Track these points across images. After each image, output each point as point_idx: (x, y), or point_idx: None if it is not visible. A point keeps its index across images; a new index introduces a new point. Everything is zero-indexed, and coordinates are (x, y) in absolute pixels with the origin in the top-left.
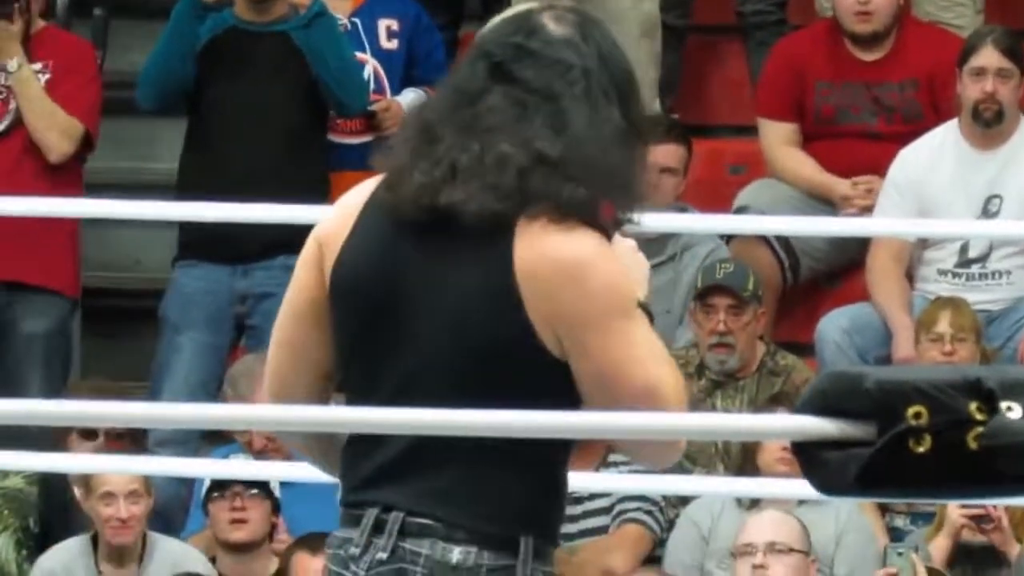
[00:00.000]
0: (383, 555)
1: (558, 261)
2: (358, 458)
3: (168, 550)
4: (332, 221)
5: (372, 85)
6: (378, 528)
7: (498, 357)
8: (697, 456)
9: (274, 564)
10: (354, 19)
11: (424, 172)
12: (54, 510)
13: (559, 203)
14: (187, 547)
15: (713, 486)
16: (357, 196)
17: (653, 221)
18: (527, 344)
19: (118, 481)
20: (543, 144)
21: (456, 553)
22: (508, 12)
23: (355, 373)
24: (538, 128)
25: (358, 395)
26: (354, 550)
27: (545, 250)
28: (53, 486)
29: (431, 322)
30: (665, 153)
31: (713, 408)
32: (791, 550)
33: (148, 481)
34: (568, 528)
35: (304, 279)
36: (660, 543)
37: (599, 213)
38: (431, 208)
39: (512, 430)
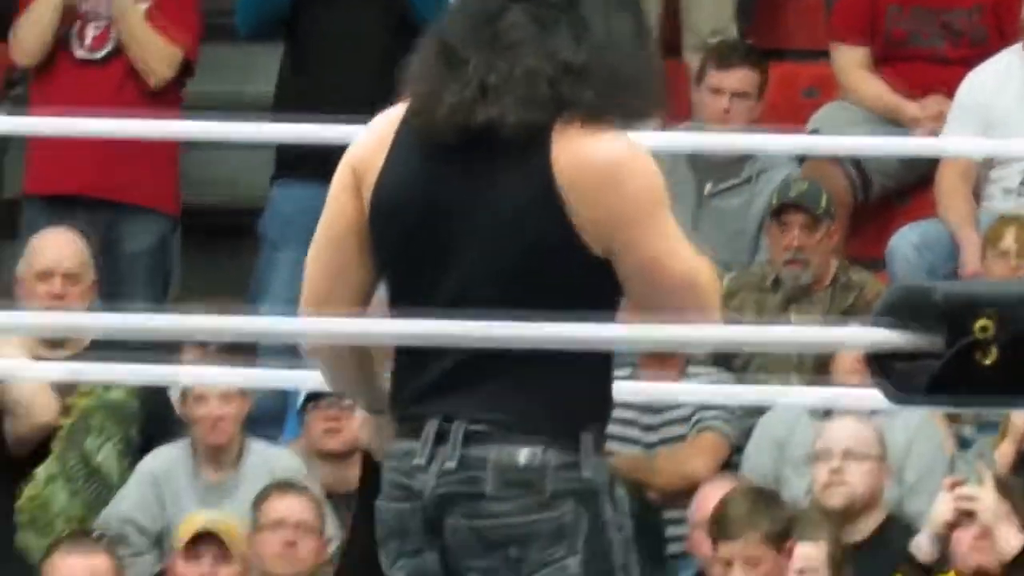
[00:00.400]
0: (451, 464)
1: (597, 164)
2: (411, 372)
3: (265, 455)
4: (365, 147)
5: None
6: (441, 438)
7: (544, 261)
8: (773, 367)
9: None
10: None
11: (455, 93)
12: (155, 421)
13: (589, 109)
14: (284, 452)
15: (788, 396)
16: (386, 122)
17: (729, 142)
18: (572, 246)
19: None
20: (567, 54)
21: (522, 455)
22: None
23: (403, 292)
24: (560, 40)
25: (408, 311)
26: (419, 460)
27: (583, 155)
28: (154, 397)
29: (478, 236)
30: (739, 78)
31: (788, 320)
32: (867, 456)
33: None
34: (648, 437)
35: (342, 205)
36: (737, 450)
37: (624, 115)
38: (465, 127)
39: (578, 342)
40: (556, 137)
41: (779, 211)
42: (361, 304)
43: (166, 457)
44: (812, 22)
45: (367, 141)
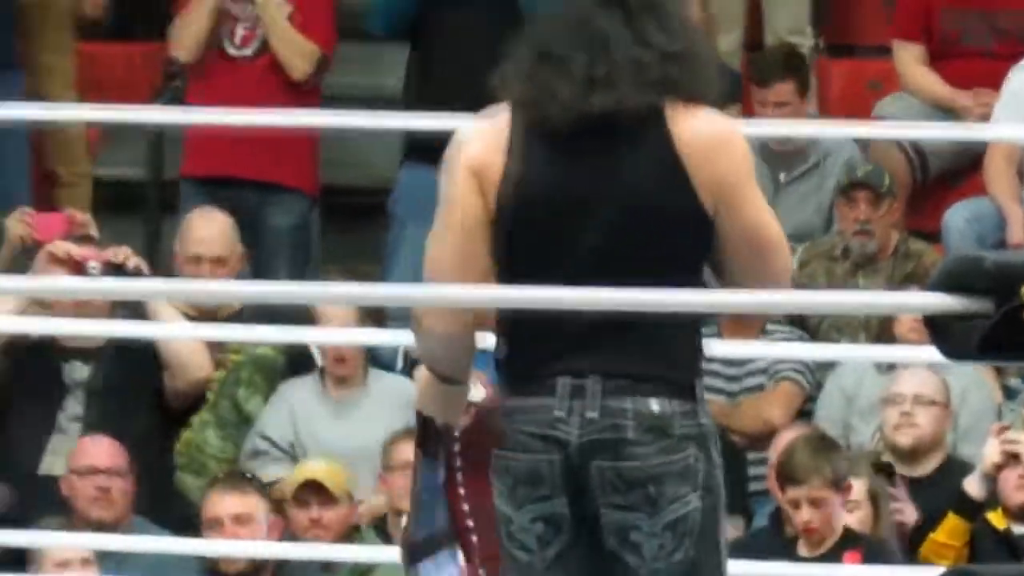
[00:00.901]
0: (593, 414)
1: (712, 134)
2: (532, 339)
3: (387, 381)
4: (479, 149)
5: None
6: (576, 392)
7: (671, 224)
8: (843, 327)
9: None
10: None
11: (566, 88)
12: (298, 374)
13: (691, 90)
14: (405, 380)
15: (856, 352)
16: (493, 124)
17: (806, 129)
18: (693, 208)
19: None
20: (662, 43)
21: (654, 403)
22: None
23: (533, 269)
24: (651, 32)
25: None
26: (558, 413)
27: (697, 128)
28: (298, 353)
29: (609, 210)
30: (777, 92)
31: (856, 286)
32: (934, 402)
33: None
34: (731, 387)
35: (468, 202)
36: (811, 399)
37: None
38: (583, 117)
39: (691, 305)
40: (669, 115)
41: (847, 188)
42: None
43: (298, 384)
44: (876, 22)
45: (480, 143)
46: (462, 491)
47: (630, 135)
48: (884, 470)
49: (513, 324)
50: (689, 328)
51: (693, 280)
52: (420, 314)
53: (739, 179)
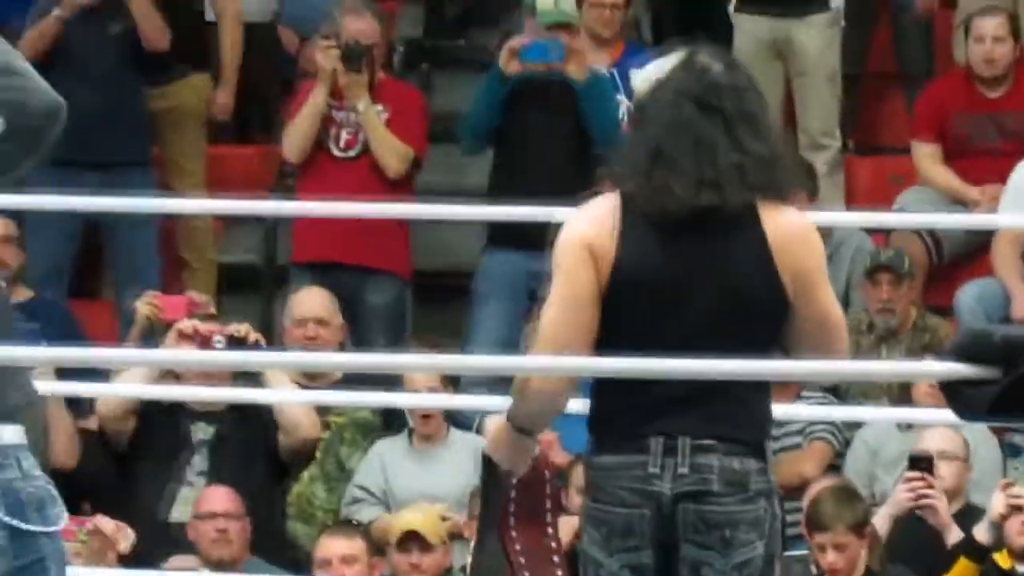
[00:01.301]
0: (684, 470)
1: (797, 230)
2: (628, 400)
3: (467, 438)
4: (592, 229)
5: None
6: (669, 451)
7: (757, 306)
8: (868, 391)
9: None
10: (612, 69)
11: (681, 186)
12: (391, 431)
13: (778, 189)
14: (479, 438)
15: (880, 414)
16: (603, 209)
17: (838, 219)
18: (776, 292)
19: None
20: (755, 148)
21: (735, 461)
22: (671, 61)
23: (637, 339)
24: (747, 140)
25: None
26: (653, 469)
27: (786, 223)
28: (391, 414)
29: (708, 291)
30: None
31: (880, 356)
32: (956, 457)
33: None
34: (772, 444)
35: (583, 276)
36: (839, 455)
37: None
38: (693, 210)
39: (781, 373)
40: (762, 212)
41: (872, 271)
42: (590, 352)
43: (390, 441)
44: (898, 125)
45: (593, 226)
46: (514, 533)
47: (728, 228)
48: (921, 462)
49: (612, 389)
50: (764, 395)
51: (768, 353)
52: (526, 376)
53: (816, 269)
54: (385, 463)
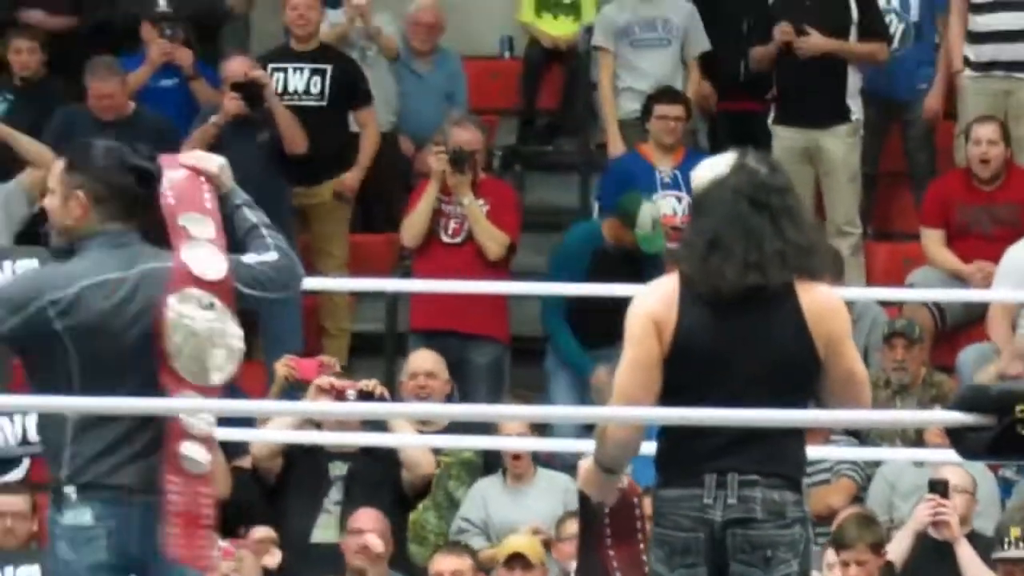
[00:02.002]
0: (733, 500)
1: (827, 303)
2: (687, 444)
3: (552, 476)
4: (657, 305)
5: (685, 212)
6: (720, 485)
7: (795, 369)
8: (886, 435)
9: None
10: (675, 171)
11: (732, 271)
12: (491, 470)
13: (815, 272)
14: (566, 477)
15: (896, 454)
16: (665, 288)
17: (865, 294)
18: (811, 357)
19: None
20: (795, 237)
21: (775, 494)
22: (722, 161)
23: (695, 396)
24: (788, 229)
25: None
26: (708, 501)
27: (819, 297)
28: (493, 458)
29: (752, 357)
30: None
31: (895, 407)
32: (965, 491)
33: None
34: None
35: (647, 344)
36: (863, 489)
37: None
38: (741, 289)
39: (814, 421)
40: (799, 290)
41: (889, 337)
42: (653, 405)
43: (487, 480)
44: (909, 215)
45: (658, 301)
46: (611, 552)
47: (770, 303)
48: (938, 486)
49: (674, 435)
50: (798, 439)
51: (802, 405)
52: (605, 426)
53: (843, 335)
54: (485, 499)
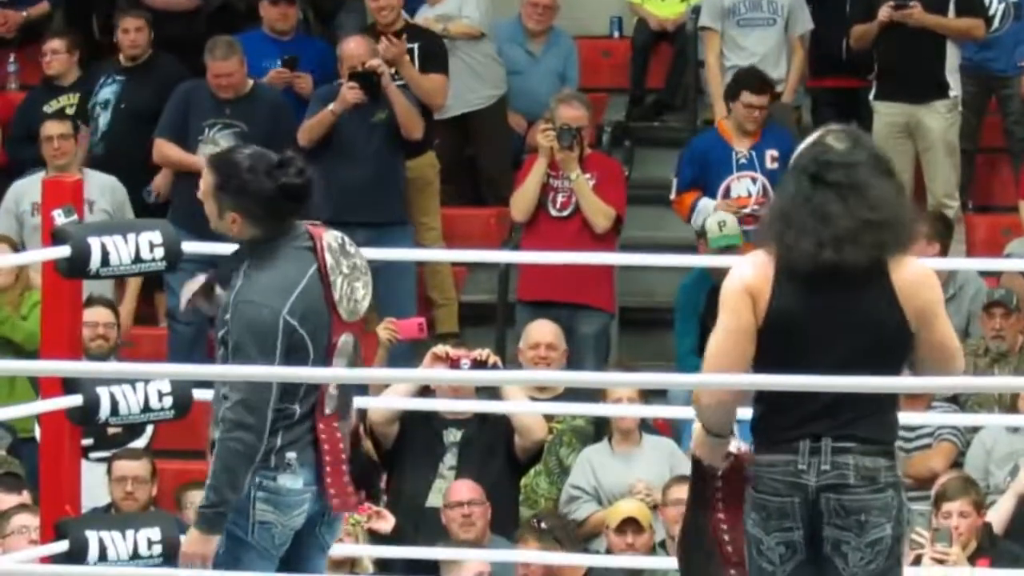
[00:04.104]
0: (827, 467)
1: (917, 277)
2: (781, 411)
3: (658, 441)
4: (754, 276)
5: (760, 192)
6: (814, 452)
7: (888, 339)
8: (983, 402)
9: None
10: (751, 150)
11: (804, 244)
12: (601, 436)
13: (895, 247)
14: (671, 441)
15: (994, 420)
16: (762, 260)
17: (953, 264)
18: (903, 328)
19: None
20: (866, 214)
21: (868, 460)
22: (807, 140)
23: (784, 362)
24: (857, 207)
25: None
26: (801, 466)
27: (908, 273)
28: (603, 424)
29: (842, 332)
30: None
31: (993, 374)
32: None
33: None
34: (907, 445)
35: (743, 314)
36: (962, 454)
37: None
38: (815, 265)
39: (903, 387)
40: (891, 266)
41: (988, 307)
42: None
43: (595, 448)
44: (1007, 188)
45: (754, 273)
46: (720, 516)
47: (859, 280)
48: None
49: (769, 402)
50: (891, 406)
51: (896, 373)
52: (699, 392)
53: (935, 307)
54: (594, 466)
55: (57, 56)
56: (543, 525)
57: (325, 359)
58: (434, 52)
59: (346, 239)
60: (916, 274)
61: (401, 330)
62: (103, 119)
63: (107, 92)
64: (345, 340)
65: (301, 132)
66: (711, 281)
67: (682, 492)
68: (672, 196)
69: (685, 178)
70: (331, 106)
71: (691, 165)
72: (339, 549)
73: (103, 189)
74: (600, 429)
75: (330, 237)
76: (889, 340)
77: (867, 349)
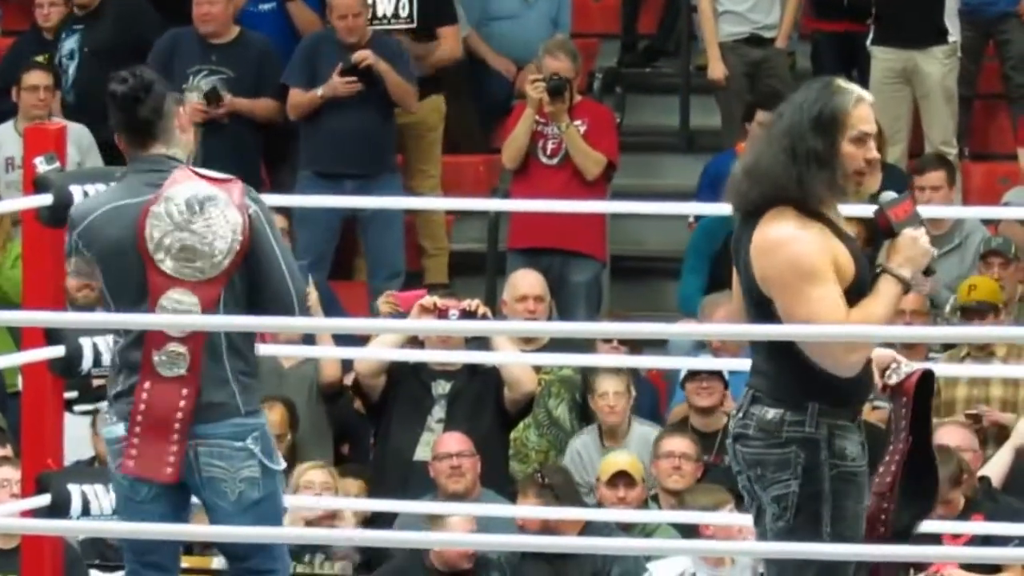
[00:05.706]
0: (739, 415)
1: (762, 240)
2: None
3: (647, 432)
4: (829, 242)
5: None
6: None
7: (758, 304)
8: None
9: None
10: None
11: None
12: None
13: (758, 201)
14: (651, 427)
15: (996, 371)
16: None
17: (958, 212)
18: (765, 298)
19: (612, 382)
20: (747, 163)
21: (770, 412)
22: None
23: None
24: (761, 154)
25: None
26: (736, 413)
27: (759, 233)
28: (587, 370)
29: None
30: (932, 178)
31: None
32: None
33: (629, 384)
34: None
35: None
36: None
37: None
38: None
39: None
40: (761, 219)
41: (985, 256)
42: None
43: (581, 441)
44: (1005, 136)
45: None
46: (902, 446)
47: (747, 226)
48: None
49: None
50: (808, 367)
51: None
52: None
53: (780, 280)
54: (583, 459)
55: (55, 7)
56: (546, 480)
57: (135, 303)
58: (440, 1)
59: (209, 205)
60: (763, 237)
61: (403, 303)
62: (72, 69)
63: (70, 43)
64: (177, 299)
65: (290, 108)
66: (731, 228)
67: (673, 444)
68: (690, 220)
69: (704, 198)
70: (319, 91)
71: (709, 190)
72: (322, 502)
73: (69, 136)
74: (586, 378)
75: (187, 191)
76: (763, 297)
77: (751, 305)
